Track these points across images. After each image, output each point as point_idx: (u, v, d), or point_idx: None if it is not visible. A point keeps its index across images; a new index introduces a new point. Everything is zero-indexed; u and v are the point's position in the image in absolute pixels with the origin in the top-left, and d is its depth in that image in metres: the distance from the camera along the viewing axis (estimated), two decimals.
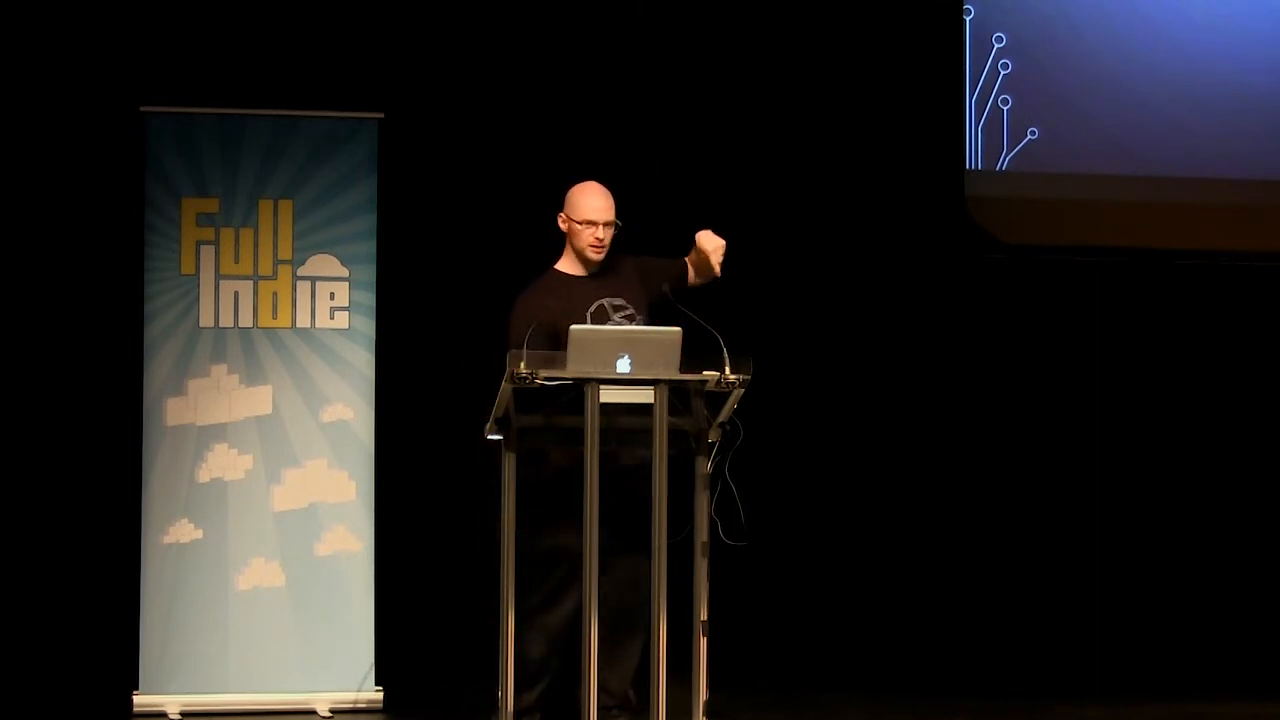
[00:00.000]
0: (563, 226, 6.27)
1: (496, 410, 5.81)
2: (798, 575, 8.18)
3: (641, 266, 6.34)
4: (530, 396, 5.74)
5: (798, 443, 8.19)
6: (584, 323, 6.04)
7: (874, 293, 8.35)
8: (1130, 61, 8.51)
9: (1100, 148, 8.48)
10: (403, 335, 7.61)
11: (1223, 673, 8.14)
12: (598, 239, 6.22)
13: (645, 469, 5.76)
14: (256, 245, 7.12)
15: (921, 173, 8.38)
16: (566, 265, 6.29)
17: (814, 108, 8.31)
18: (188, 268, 7.07)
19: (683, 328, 5.75)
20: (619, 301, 6.24)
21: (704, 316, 5.84)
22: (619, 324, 6.14)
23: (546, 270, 6.29)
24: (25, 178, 7.62)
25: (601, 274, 6.27)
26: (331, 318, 7.15)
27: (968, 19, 8.43)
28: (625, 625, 6.06)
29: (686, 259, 6.34)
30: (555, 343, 5.88)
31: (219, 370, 7.06)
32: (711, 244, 6.23)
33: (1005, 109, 8.44)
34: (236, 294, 7.10)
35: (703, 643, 5.76)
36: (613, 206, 6.24)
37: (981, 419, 8.41)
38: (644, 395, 5.70)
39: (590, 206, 6.23)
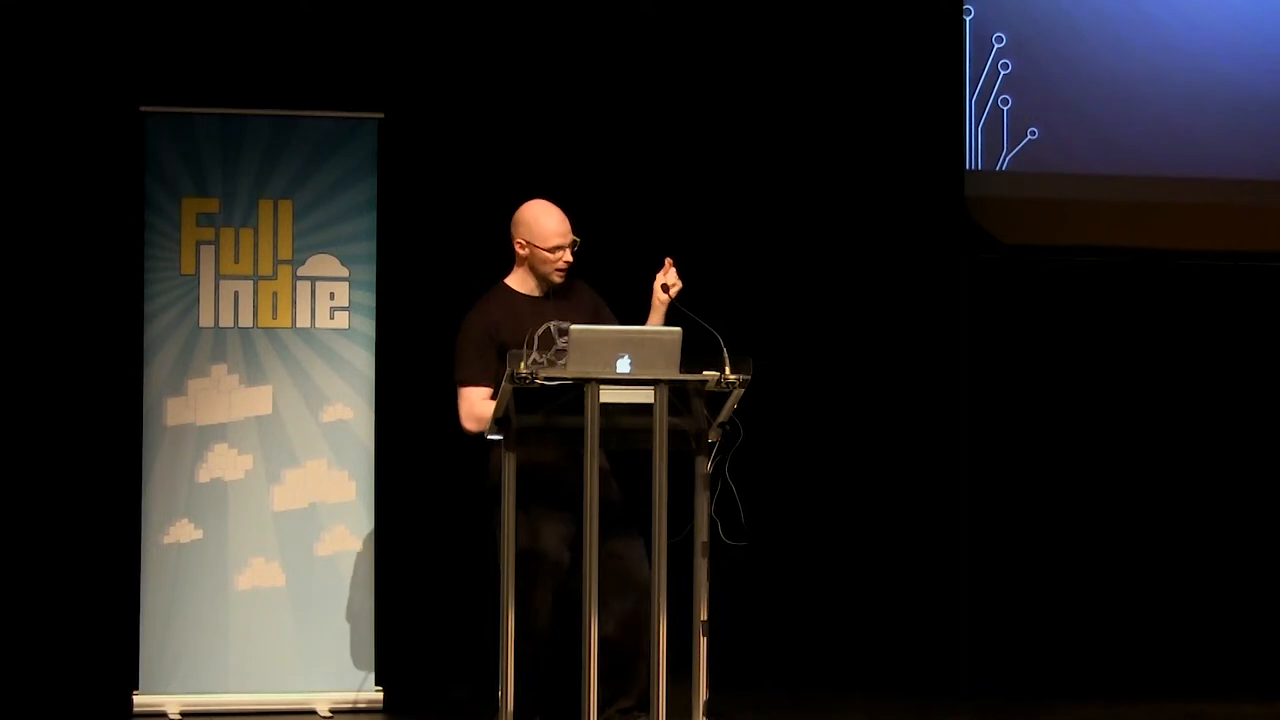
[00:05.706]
0: (521, 251, 6.16)
1: (496, 410, 5.80)
2: (798, 575, 8.18)
3: (599, 309, 6.24)
4: (530, 396, 5.74)
5: (798, 443, 8.19)
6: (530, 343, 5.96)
7: (874, 293, 8.35)
8: (1130, 61, 8.51)
9: (1100, 148, 8.47)
10: (403, 335, 7.60)
11: (1223, 673, 8.14)
12: (566, 262, 6.15)
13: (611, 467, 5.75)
14: (256, 245, 7.11)
15: (921, 173, 8.37)
16: (518, 283, 6.21)
17: (813, 108, 8.31)
18: (188, 268, 7.07)
19: (683, 328, 5.75)
20: (566, 326, 6.14)
21: (704, 316, 5.84)
22: (562, 349, 6.04)
23: (496, 284, 6.22)
24: (26, 177, 7.62)
25: (555, 297, 6.19)
26: (331, 318, 7.15)
27: (968, 19, 8.43)
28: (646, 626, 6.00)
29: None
30: (504, 360, 5.77)
31: (219, 370, 7.06)
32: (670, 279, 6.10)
33: (1005, 109, 8.44)
34: (236, 294, 7.10)
35: (703, 643, 5.75)
36: (568, 224, 6.16)
37: (980, 419, 8.40)
38: (644, 395, 5.70)
39: (556, 231, 6.12)
